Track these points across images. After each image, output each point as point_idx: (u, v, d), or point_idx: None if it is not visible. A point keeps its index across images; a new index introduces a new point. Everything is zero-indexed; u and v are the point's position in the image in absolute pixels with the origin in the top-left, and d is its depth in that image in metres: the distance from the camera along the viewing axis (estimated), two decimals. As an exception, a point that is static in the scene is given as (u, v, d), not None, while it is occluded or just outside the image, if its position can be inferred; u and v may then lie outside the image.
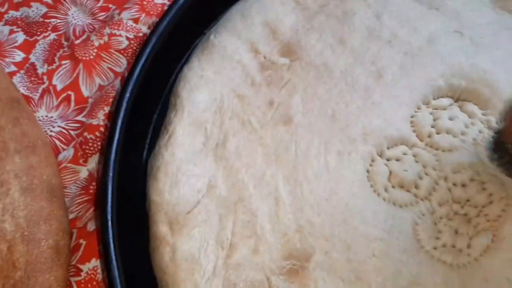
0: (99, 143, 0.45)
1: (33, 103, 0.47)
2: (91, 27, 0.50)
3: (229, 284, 0.37)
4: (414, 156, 0.40)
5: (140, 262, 0.39)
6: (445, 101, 0.42)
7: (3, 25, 0.50)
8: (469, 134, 0.40)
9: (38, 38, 0.50)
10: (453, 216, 0.38)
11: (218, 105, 0.42)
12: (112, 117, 0.40)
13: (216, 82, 0.43)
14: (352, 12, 0.45)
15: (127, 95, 0.40)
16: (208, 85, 0.42)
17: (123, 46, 0.48)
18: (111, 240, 0.37)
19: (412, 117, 0.41)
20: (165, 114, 0.42)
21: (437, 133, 0.41)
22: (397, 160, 0.41)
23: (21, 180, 0.40)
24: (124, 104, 0.40)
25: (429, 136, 0.41)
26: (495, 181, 0.38)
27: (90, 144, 0.45)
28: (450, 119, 0.41)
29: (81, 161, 0.44)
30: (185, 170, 0.40)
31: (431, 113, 0.41)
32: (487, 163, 0.39)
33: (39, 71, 0.48)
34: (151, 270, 0.39)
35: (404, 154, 0.41)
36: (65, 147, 0.45)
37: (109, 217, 0.37)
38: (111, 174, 0.38)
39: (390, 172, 0.40)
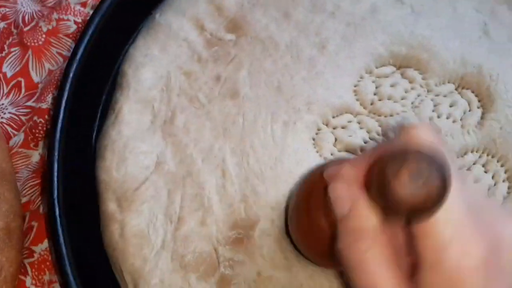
0: (48, 127, 0.45)
1: (-16, 91, 0.47)
2: (40, 13, 0.50)
3: (177, 256, 0.38)
4: (359, 123, 0.41)
5: (92, 242, 0.39)
6: (387, 70, 0.43)
7: (-49, 16, 0.50)
8: (408, 98, 0.41)
9: (-13, 27, 0.50)
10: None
11: (165, 82, 0.42)
12: (55, 98, 0.40)
13: (162, 60, 0.43)
14: (296, -13, 0.45)
15: (70, 75, 0.40)
16: (154, 63, 0.43)
17: (72, 30, 0.48)
18: (57, 219, 0.37)
19: (355, 86, 0.42)
20: (113, 95, 0.42)
21: (379, 100, 0.41)
22: (342, 127, 0.41)
23: (-31, 165, 0.40)
24: (68, 84, 0.40)
25: (372, 103, 0.42)
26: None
27: (40, 128, 0.45)
28: (392, 86, 0.42)
29: (31, 145, 0.45)
30: (133, 148, 0.40)
31: (373, 82, 0.42)
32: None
33: (-11, 59, 0.48)
34: (102, 248, 0.39)
35: (349, 122, 0.42)
36: (16, 132, 0.45)
37: (55, 196, 0.37)
38: (56, 154, 0.38)
39: (336, 139, 0.41)
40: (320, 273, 0.38)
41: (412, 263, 0.27)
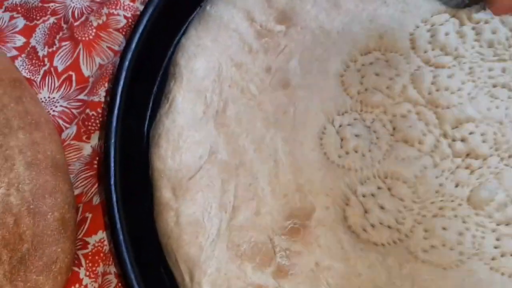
0: (100, 120, 0.45)
1: (35, 85, 0.48)
2: (89, 9, 0.51)
3: (233, 245, 0.37)
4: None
5: (146, 229, 0.39)
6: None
7: (3, 12, 0.51)
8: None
9: (38, 22, 0.50)
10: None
11: (216, 73, 0.42)
12: (111, 88, 0.40)
13: (213, 50, 0.43)
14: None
15: (126, 64, 0.40)
16: (206, 53, 0.43)
17: (121, 25, 0.49)
18: (115, 206, 0.37)
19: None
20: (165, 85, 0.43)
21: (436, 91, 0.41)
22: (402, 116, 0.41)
23: (25, 155, 0.41)
24: (123, 74, 0.40)
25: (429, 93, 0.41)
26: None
27: (92, 121, 0.45)
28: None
29: (84, 137, 0.45)
30: (187, 137, 0.40)
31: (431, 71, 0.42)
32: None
33: (40, 54, 0.49)
34: (156, 236, 0.39)
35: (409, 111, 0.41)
36: (67, 125, 0.46)
37: (112, 182, 0.37)
38: (112, 141, 0.38)
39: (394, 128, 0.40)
40: (378, 263, 0.37)
41: None
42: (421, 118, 0.40)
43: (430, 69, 0.41)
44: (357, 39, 0.42)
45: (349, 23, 0.43)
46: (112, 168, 0.38)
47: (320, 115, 0.41)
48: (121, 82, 0.40)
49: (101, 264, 0.40)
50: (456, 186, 0.39)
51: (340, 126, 0.41)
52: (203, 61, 0.42)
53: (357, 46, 0.42)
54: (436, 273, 0.37)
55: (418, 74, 0.41)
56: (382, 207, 0.39)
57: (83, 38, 0.49)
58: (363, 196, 0.39)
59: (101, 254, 0.41)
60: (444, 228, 0.38)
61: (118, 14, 0.49)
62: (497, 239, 0.37)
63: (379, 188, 0.39)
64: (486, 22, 0.42)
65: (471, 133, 0.39)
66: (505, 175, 0.38)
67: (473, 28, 0.42)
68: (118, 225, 0.37)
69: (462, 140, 0.39)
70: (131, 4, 0.50)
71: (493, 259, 0.37)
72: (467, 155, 0.39)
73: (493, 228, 0.37)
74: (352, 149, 0.40)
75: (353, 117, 0.41)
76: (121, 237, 0.36)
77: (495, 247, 0.37)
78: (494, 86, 0.40)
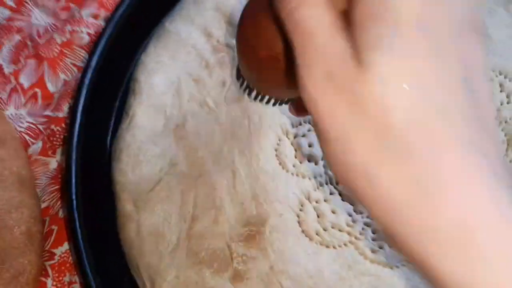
0: (65, 134, 0.47)
1: (2, 101, 0.49)
2: (53, 26, 0.52)
3: (192, 253, 0.39)
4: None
5: (110, 240, 0.41)
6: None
7: (-32, 31, 0.52)
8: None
9: (4, 40, 0.52)
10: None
11: (175, 88, 0.44)
12: (72, 104, 0.42)
13: (172, 66, 0.45)
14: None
15: (87, 81, 0.42)
16: (165, 69, 0.45)
17: (85, 41, 0.51)
18: (76, 218, 0.39)
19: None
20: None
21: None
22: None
23: (-9, 172, 0.42)
24: (84, 90, 0.42)
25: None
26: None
27: (57, 136, 0.47)
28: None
29: (49, 152, 0.46)
30: (146, 150, 0.42)
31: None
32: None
33: (6, 71, 0.50)
34: (119, 248, 0.41)
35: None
36: (34, 141, 0.47)
37: (73, 196, 0.39)
38: (74, 155, 0.40)
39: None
40: (330, 265, 0.40)
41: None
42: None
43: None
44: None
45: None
46: (74, 182, 0.40)
47: (274, 127, 0.43)
48: (82, 98, 0.42)
49: (67, 273, 0.42)
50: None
51: (294, 137, 0.43)
52: (162, 77, 0.44)
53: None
54: (384, 273, 0.39)
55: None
56: (333, 212, 0.41)
57: (48, 56, 0.50)
58: (316, 202, 0.42)
59: (67, 264, 0.42)
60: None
61: (81, 31, 0.51)
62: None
63: (331, 193, 0.42)
64: None
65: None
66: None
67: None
68: (80, 237, 0.38)
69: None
70: (94, 21, 0.51)
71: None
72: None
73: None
74: (305, 158, 0.43)
75: (307, 128, 0.44)
76: (82, 248, 0.38)
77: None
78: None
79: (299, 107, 0.33)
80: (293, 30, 0.25)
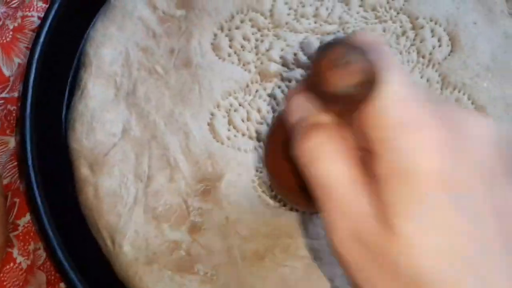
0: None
1: (-42, 89, 0.51)
2: (5, 14, 0.54)
3: (149, 209, 0.41)
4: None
5: (69, 206, 0.42)
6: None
7: None
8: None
9: (-44, 30, 0.53)
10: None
11: (124, 58, 0.46)
12: (23, 81, 0.43)
13: (119, 37, 0.46)
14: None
15: (36, 56, 0.43)
16: (112, 41, 0.46)
17: (36, 25, 0.52)
18: (35, 187, 0.40)
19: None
20: (78, 76, 0.46)
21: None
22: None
23: (-50, 152, 0.44)
24: (33, 67, 0.43)
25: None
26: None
27: (14, 115, 0.48)
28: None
29: (7, 131, 0.48)
30: (99, 118, 0.44)
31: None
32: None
33: (-40, 60, 0.52)
34: (79, 211, 0.42)
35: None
36: (-8, 123, 0.49)
37: (30, 167, 0.40)
38: (28, 128, 0.41)
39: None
40: (286, 213, 0.41)
41: (366, 156, 0.25)
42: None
43: (317, 37, 0.46)
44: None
45: (241, 3, 0.47)
46: (29, 154, 0.41)
47: (223, 92, 0.45)
48: (32, 75, 0.43)
49: (31, 242, 0.44)
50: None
51: (244, 100, 0.45)
52: (110, 48, 0.46)
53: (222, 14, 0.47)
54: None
55: (306, 42, 0.46)
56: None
57: (1, 41, 0.52)
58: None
59: (31, 234, 0.44)
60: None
61: (32, 16, 0.52)
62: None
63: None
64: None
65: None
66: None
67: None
68: (40, 206, 0.40)
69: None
70: (44, 5, 0.53)
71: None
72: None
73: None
74: (258, 120, 0.44)
75: (255, 88, 0.46)
76: (43, 216, 0.39)
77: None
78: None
79: None
80: (313, 183, 0.26)
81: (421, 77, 0.45)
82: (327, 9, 0.47)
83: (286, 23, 0.47)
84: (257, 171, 0.43)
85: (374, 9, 0.47)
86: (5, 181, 0.46)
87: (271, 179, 0.40)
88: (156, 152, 0.43)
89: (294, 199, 0.38)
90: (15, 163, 0.47)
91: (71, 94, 0.46)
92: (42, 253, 0.43)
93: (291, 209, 0.42)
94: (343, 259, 0.25)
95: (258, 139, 0.44)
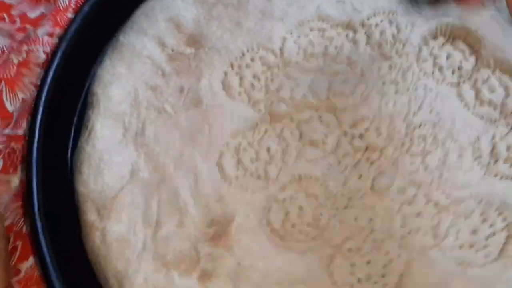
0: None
1: (-40, 124, 0.49)
2: (10, 47, 0.53)
3: (158, 256, 0.40)
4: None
5: (75, 251, 0.41)
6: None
7: None
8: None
9: (-41, 64, 0.52)
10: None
11: (133, 97, 0.45)
12: (29, 120, 0.42)
13: (128, 77, 0.46)
14: (246, 1, 0.49)
15: (43, 96, 0.42)
16: (121, 81, 0.45)
17: (41, 59, 0.51)
18: (40, 232, 0.39)
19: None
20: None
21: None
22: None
23: (-48, 194, 0.42)
24: (41, 105, 0.42)
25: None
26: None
27: (18, 153, 0.47)
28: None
29: (11, 170, 0.47)
30: (107, 160, 0.43)
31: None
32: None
33: (-37, 93, 0.50)
34: (86, 257, 0.41)
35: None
36: (-5, 160, 0.48)
37: (36, 210, 0.39)
38: (34, 171, 0.40)
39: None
40: (298, 258, 0.40)
41: None
42: (322, 121, 0.44)
43: (326, 76, 0.46)
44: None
45: (254, 40, 0.47)
46: (35, 197, 0.40)
47: (233, 131, 0.44)
48: (39, 114, 0.42)
49: (34, 288, 0.42)
50: (360, 178, 0.43)
51: (253, 139, 0.44)
52: (118, 87, 0.45)
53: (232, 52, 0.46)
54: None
55: (316, 82, 0.45)
56: (300, 208, 0.42)
57: (5, 76, 0.51)
58: (283, 201, 0.43)
59: (33, 279, 0.42)
60: (355, 218, 0.41)
61: (37, 50, 0.52)
62: (403, 219, 0.41)
63: (296, 191, 0.43)
64: (376, 25, 0.47)
65: (367, 129, 0.43)
66: (400, 162, 0.43)
67: (365, 33, 0.47)
68: (44, 250, 0.38)
69: (360, 136, 0.43)
70: (50, 39, 0.52)
71: (402, 238, 0.41)
72: (366, 149, 0.43)
73: (398, 209, 0.41)
74: (267, 160, 0.44)
75: (264, 128, 0.45)
76: (48, 260, 0.38)
77: (402, 226, 0.41)
78: (383, 83, 0.45)
79: None
80: None
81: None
82: (335, 48, 0.47)
83: (296, 63, 0.46)
84: (264, 209, 0.42)
85: (380, 46, 0.46)
86: (7, 222, 0.45)
87: None
88: (165, 196, 0.42)
89: None
90: (18, 203, 0.45)
91: (77, 134, 0.45)
92: (44, 301, 0.41)
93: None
94: None
95: (266, 179, 0.43)
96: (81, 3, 0.52)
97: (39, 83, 0.44)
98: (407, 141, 0.43)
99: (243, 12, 0.48)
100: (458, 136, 0.43)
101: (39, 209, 0.40)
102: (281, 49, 0.47)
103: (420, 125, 0.43)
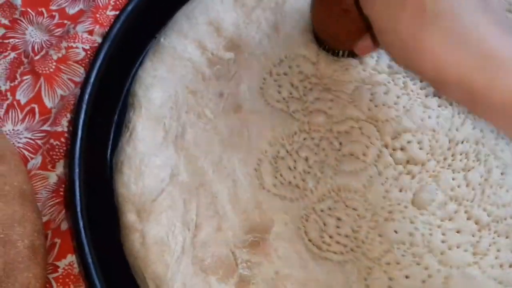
0: (64, 148, 0.47)
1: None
2: (48, 43, 0.53)
3: (197, 260, 0.40)
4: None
5: (114, 252, 0.41)
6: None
7: (-37, 49, 0.53)
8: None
9: (-1, 58, 0.52)
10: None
11: (173, 101, 0.45)
12: (72, 119, 0.42)
13: (169, 79, 0.46)
14: (283, 2, 0.49)
15: (86, 96, 0.42)
16: (162, 83, 0.45)
17: (80, 57, 0.51)
18: (82, 231, 0.39)
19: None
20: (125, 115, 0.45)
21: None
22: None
23: (-8, 188, 0.42)
24: (83, 105, 0.42)
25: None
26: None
27: (57, 150, 0.47)
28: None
29: (49, 166, 0.47)
30: (148, 162, 0.43)
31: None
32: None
33: (2, 88, 0.51)
34: (124, 258, 0.41)
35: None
36: (33, 156, 0.48)
37: (78, 209, 0.39)
38: (77, 170, 0.40)
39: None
40: (337, 270, 0.40)
41: None
42: (363, 132, 0.44)
43: (368, 87, 0.45)
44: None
45: (291, 47, 0.47)
46: (78, 195, 0.40)
47: (272, 139, 0.44)
48: (82, 113, 0.42)
49: (71, 286, 0.42)
50: (400, 190, 0.42)
51: (292, 148, 0.44)
52: (159, 90, 0.45)
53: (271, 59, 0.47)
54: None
55: (357, 93, 0.45)
56: (339, 219, 0.42)
57: (44, 71, 0.51)
58: (321, 211, 0.42)
59: (71, 277, 0.43)
60: (395, 231, 0.41)
61: (77, 47, 0.52)
62: (443, 234, 0.41)
63: (335, 201, 0.42)
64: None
65: (409, 142, 0.43)
66: (442, 177, 0.42)
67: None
68: (86, 249, 0.39)
69: (402, 149, 0.43)
70: (89, 37, 0.52)
71: (442, 253, 0.40)
72: (407, 162, 0.43)
73: (438, 224, 0.41)
74: (305, 169, 0.43)
75: (303, 137, 0.45)
76: (89, 259, 0.38)
77: (442, 242, 0.41)
78: (426, 96, 0.45)
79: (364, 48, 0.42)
80: None
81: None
82: (372, 57, 0.46)
83: (335, 71, 0.46)
84: (302, 219, 0.42)
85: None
86: (44, 219, 0.45)
87: (320, 12, 0.43)
88: (204, 200, 0.42)
89: (342, 24, 0.41)
90: (56, 200, 0.46)
91: (116, 133, 0.45)
92: (82, 297, 0.42)
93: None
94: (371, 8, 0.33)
95: (304, 188, 0.43)
96: (122, 2, 0.53)
97: (82, 81, 0.44)
98: (449, 155, 0.43)
99: (280, 15, 0.48)
100: (502, 153, 0.43)
101: (81, 208, 0.40)
102: (317, 55, 0.46)
103: (462, 141, 0.43)
